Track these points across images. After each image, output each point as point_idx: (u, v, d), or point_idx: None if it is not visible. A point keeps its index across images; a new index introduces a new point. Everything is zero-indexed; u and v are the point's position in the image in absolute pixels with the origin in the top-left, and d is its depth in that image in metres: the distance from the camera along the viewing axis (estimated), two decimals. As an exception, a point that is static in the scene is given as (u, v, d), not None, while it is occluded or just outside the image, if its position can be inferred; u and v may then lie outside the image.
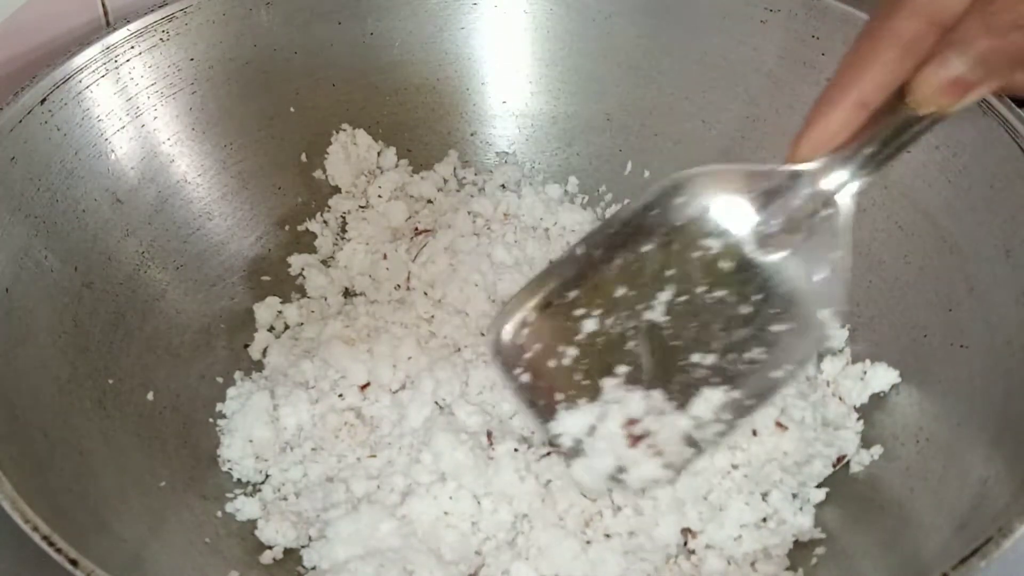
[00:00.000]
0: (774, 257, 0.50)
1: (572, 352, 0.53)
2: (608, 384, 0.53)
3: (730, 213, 0.50)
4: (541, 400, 0.54)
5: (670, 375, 0.52)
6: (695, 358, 0.51)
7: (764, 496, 0.62)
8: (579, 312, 0.52)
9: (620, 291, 0.51)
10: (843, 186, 0.48)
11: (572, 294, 0.52)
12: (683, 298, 0.51)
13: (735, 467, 0.62)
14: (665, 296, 0.51)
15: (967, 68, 0.41)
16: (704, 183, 0.50)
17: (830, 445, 0.64)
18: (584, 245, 0.52)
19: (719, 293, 0.50)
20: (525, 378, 0.54)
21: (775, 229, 0.50)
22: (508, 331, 0.53)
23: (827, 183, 0.49)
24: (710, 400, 0.51)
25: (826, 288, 0.49)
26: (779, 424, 0.63)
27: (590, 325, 0.52)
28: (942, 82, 0.42)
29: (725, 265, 0.50)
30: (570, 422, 0.53)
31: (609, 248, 0.51)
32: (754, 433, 0.62)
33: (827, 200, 0.49)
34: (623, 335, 0.52)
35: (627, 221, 0.51)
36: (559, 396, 0.53)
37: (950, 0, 0.41)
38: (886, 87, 0.45)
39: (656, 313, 0.51)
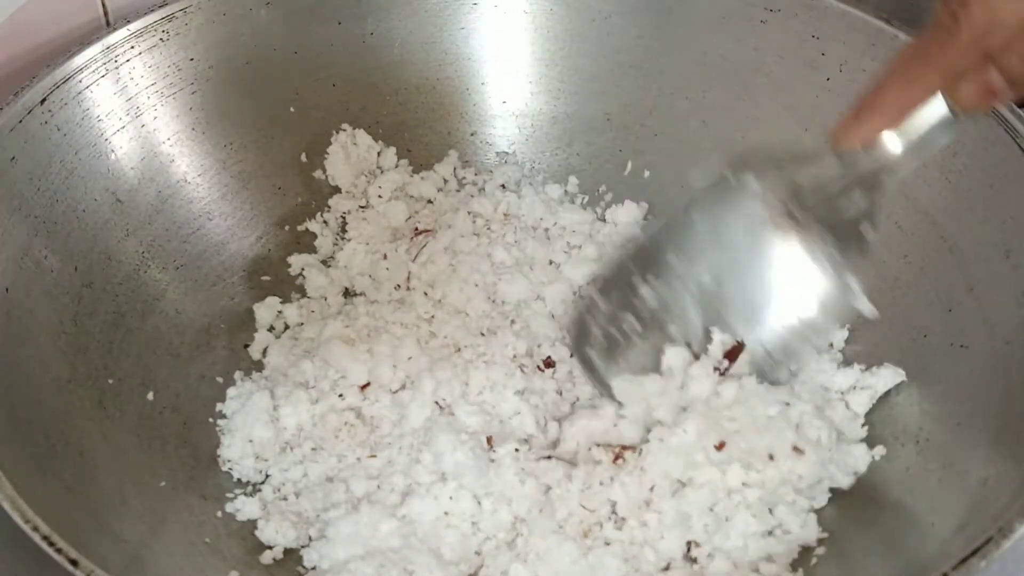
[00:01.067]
0: (811, 229, 0.56)
1: (631, 319, 0.62)
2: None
3: (775, 187, 0.56)
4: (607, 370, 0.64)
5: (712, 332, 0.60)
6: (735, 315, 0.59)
7: (771, 510, 0.61)
8: (635, 281, 0.60)
9: (671, 258, 0.59)
10: (884, 172, 0.54)
11: (635, 275, 0.62)
12: (728, 262, 0.58)
13: (746, 485, 0.61)
14: (712, 258, 0.58)
15: (999, 81, 0.49)
16: (754, 162, 0.57)
17: (843, 465, 0.63)
18: (643, 237, 0.61)
19: (761, 258, 0.57)
20: (594, 355, 0.63)
21: (814, 204, 0.56)
22: (577, 318, 0.63)
23: (870, 169, 0.54)
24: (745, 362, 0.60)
25: (855, 260, 0.56)
26: (796, 448, 0.61)
27: (646, 292, 0.61)
28: (981, 90, 0.50)
29: (768, 233, 0.56)
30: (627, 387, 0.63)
31: (667, 227, 0.60)
32: (771, 457, 0.60)
33: (867, 183, 0.54)
34: (678, 309, 0.60)
35: (684, 206, 0.59)
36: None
37: (996, 39, 0.47)
38: (927, 99, 0.52)
39: (705, 277, 0.59)
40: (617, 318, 0.63)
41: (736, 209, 0.57)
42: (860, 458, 0.63)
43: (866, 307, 0.58)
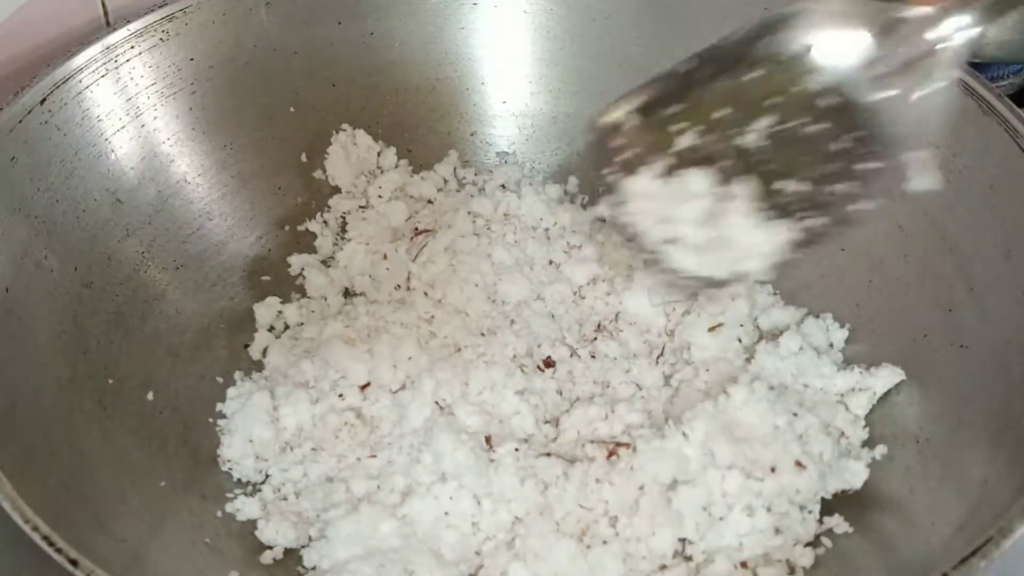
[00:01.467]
0: (876, 97, 0.50)
1: (665, 163, 0.54)
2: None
3: (839, 50, 0.50)
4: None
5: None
6: (783, 184, 0.52)
7: (768, 510, 0.60)
8: (678, 126, 0.53)
9: (720, 112, 0.52)
10: (957, 32, 0.49)
11: (673, 108, 0.53)
12: (782, 127, 0.51)
13: (743, 491, 0.60)
14: (764, 123, 0.51)
15: None
16: (815, 18, 0.50)
17: (840, 480, 0.63)
18: (689, 63, 0.53)
19: (818, 127, 0.51)
20: (613, 179, 0.55)
21: (881, 71, 0.50)
22: (605, 127, 0.54)
23: (942, 28, 0.49)
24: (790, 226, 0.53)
25: (920, 130, 0.50)
26: (798, 463, 0.61)
27: (687, 140, 0.53)
28: None
29: (828, 101, 0.50)
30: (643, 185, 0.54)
31: (715, 70, 0.52)
32: (772, 470, 0.60)
33: (938, 45, 0.49)
34: (717, 154, 0.53)
35: (735, 46, 0.52)
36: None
37: None
38: None
39: (753, 138, 0.52)
40: (646, 144, 0.55)
41: (799, 69, 0.50)
42: (857, 474, 0.63)
43: (931, 181, 0.51)
